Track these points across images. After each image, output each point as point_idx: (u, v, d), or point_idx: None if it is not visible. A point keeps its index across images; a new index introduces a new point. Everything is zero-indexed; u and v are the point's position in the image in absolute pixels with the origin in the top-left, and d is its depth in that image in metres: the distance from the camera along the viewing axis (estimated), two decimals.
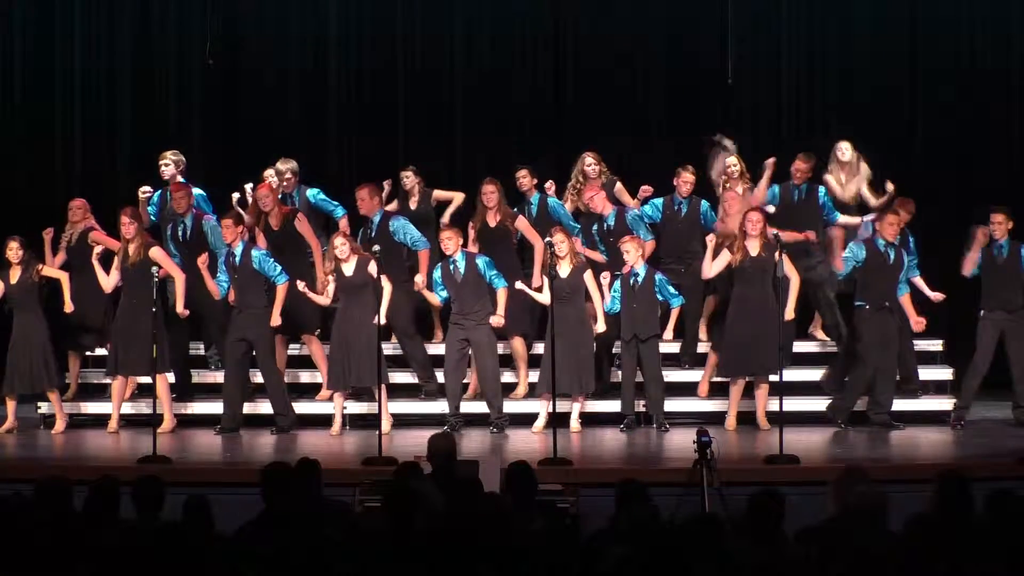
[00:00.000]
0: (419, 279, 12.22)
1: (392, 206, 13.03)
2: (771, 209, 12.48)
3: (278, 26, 14.96)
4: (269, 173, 12.92)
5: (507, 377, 12.59)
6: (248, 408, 12.30)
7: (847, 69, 14.76)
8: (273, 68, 14.95)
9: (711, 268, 12.08)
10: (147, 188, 12.89)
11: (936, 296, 12.29)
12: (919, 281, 12.29)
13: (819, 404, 12.33)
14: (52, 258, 12.60)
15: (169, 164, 12.92)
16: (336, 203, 12.99)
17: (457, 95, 14.94)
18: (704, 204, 12.85)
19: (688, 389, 12.77)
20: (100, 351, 12.83)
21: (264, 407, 12.23)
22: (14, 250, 12.14)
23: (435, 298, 12.23)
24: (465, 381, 12.40)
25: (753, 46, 14.72)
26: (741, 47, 14.44)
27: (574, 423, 12.04)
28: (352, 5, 14.96)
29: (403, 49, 14.92)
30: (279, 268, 11.92)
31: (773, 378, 11.66)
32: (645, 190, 12.95)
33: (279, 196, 12.66)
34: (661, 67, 14.89)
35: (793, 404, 11.94)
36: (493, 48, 14.95)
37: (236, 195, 12.90)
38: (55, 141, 14.87)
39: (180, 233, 12.61)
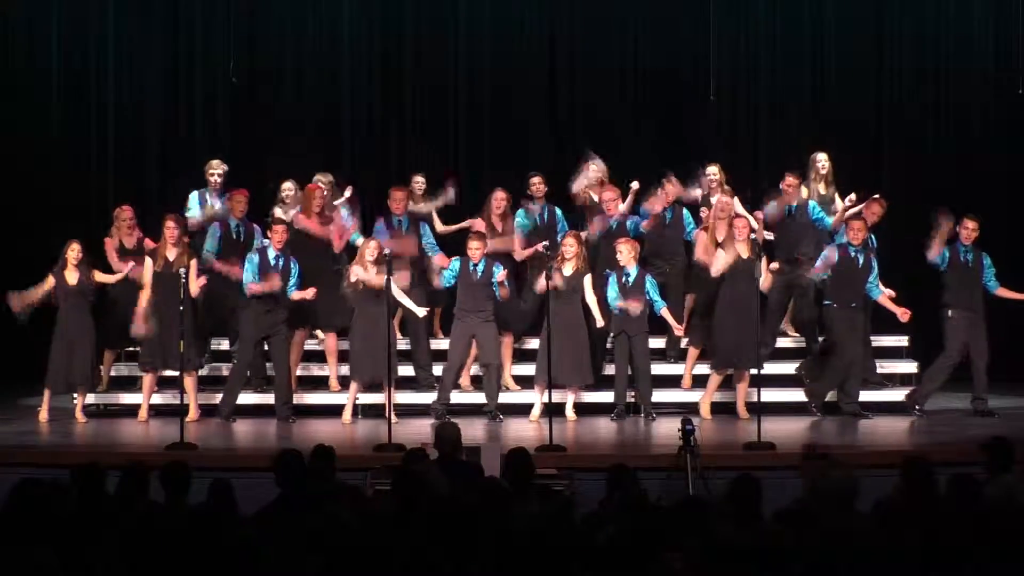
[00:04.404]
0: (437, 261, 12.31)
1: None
2: (769, 235, 12.49)
3: (294, 60, 14.96)
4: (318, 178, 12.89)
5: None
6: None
7: (818, 86, 14.84)
8: (290, 87, 14.96)
9: (716, 268, 12.00)
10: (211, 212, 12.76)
11: (903, 313, 12.12)
12: (884, 300, 12.08)
13: (794, 395, 12.36)
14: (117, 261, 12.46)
15: (222, 173, 12.85)
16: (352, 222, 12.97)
17: (461, 112, 14.97)
18: (686, 211, 12.89)
19: (673, 381, 12.79)
20: (129, 348, 12.83)
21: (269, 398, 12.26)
22: (75, 251, 11.99)
23: (438, 280, 12.18)
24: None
25: (733, 64, 14.80)
26: (723, 67, 14.55)
27: (570, 412, 12.05)
28: (364, 37, 14.95)
29: (411, 65, 14.93)
30: (295, 281, 11.98)
31: (753, 371, 11.69)
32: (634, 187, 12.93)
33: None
34: (648, 87, 14.94)
35: (770, 395, 11.98)
36: (493, 66, 14.98)
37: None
38: (91, 142, 14.81)
39: (234, 234, 12.49)
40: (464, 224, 12.99)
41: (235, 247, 12.34)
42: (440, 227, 13.11)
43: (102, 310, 12.37)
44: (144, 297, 11.94)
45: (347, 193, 13.04)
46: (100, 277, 12.19)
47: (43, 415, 12.10)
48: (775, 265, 12.26)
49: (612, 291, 12.02)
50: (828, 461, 7.25)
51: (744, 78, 14.91)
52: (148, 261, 12.07)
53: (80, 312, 12.04)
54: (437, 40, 14.93)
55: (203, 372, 12.54)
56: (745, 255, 11.89)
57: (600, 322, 12.02)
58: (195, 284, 11.92)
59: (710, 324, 12.24)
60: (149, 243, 12.46)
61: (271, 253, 11.97)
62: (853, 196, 12.68)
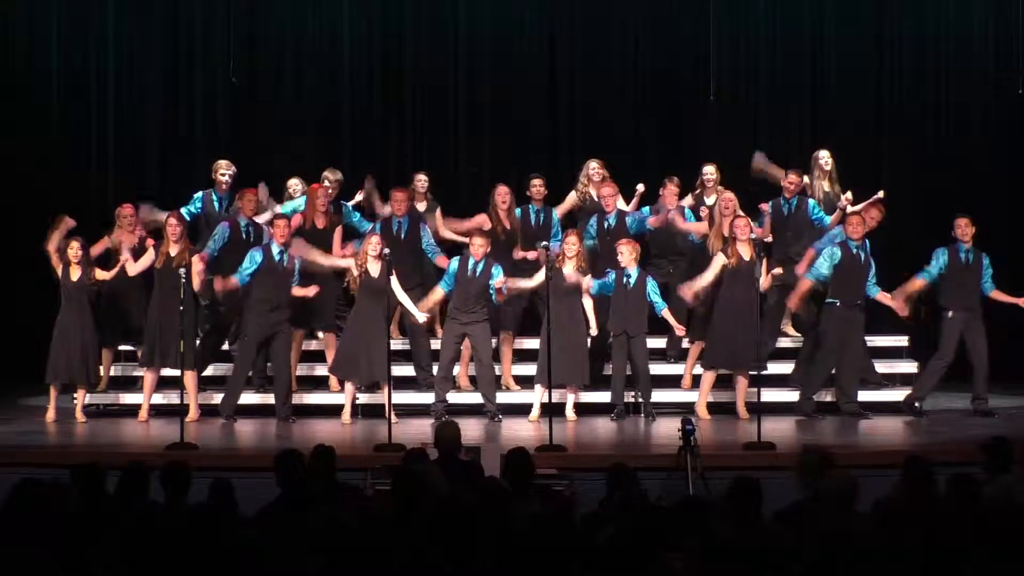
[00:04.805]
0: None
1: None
2: (760, 232, 12.48)
3: (294, 60, 14.94)
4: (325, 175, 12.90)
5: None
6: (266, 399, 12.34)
7: (818, 86, 14.86)
8: (290, 87, 14.95)
9: (706, 277, 11.99)
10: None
11: (900, 307, 12.13)
12: (881, 297, 12.07)
13: (795, 395, 12.34)
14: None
15: (232, 174, 12.84)
16: (366, 223, 12.93)
17: (461, 112, 14.96)
18: (688, 211, 12.89)
19: (673, 381, 12.79)
20: (127, 347, 12.82)
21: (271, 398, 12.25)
22: (75, 249, 11.97)
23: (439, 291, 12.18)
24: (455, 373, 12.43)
25: (733, 64, 14.81)
26: (723, 67, 14.58)
27: (570, 412, 12.04)
28: (364, 37, 14.93)
29: (411, 65, 14.91)
30: (297, 278, 11.97)
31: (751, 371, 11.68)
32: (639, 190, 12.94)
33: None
34: (648, 87, 14.94)
35: (770, 395, 11.97)
36: (493, 66, 14.97)
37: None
38: (91, 142, 14.77)
39: (243, 233, 12.44)
40: (465, 232, 12.87)
41: (245, 246, 12.29)
42: (444, 232, 13.08)
43: (97, 307, 12.35)
44: (122, 269, 12.05)
45: (359, 197, 13.02)
46: (99, 275, 12.19)
47: (50, 415, 12.09)
48: (778, 270, 12.25)
49: (600, 286, 11.99)
50: (816, 456, 7.26)
51: (744, 78, 14.91)
52: (151, 251, 12.08)
53: (81, 310, 12.02)
54: (437, 40, 14.92)
55: (204, 372, 12.53)
56: (747, 256, 11.89)
57: (594, 330, 12.01)
58: (197, 279, 11.92)
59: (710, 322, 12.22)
60: (151, 242, 12.45)
61: (275, 248, 11.96)
62: (850, 195, 12.67)
